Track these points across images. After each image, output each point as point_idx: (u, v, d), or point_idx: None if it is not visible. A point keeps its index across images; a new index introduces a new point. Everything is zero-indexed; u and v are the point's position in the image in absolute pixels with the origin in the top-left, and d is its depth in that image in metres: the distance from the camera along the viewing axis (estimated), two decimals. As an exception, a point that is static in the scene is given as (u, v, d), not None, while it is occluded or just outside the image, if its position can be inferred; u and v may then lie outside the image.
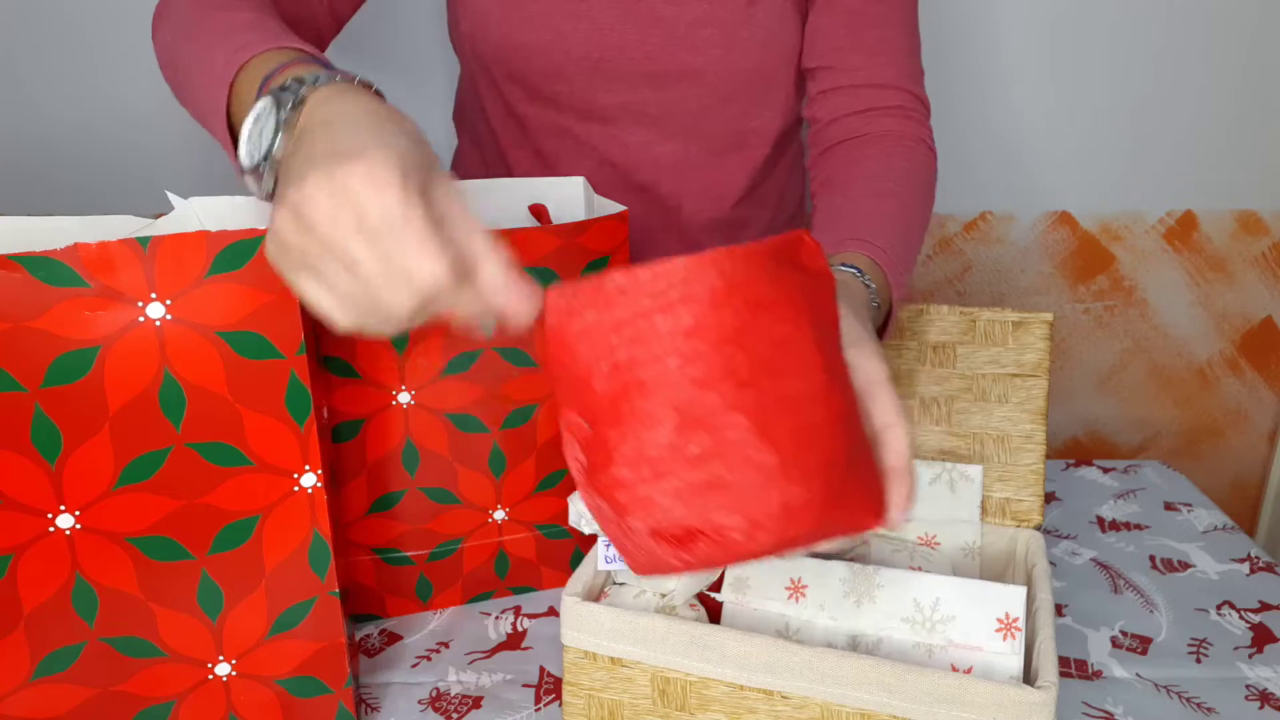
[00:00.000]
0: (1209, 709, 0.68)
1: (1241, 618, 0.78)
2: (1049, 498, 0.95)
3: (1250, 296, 1.51)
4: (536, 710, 0.68)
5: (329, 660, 0.64)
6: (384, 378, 0.71)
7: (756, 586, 0.64)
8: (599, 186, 0.93)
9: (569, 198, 0.78)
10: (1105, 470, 1.01)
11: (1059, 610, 0.78)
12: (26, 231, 0.58)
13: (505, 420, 0.74)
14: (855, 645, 0.61)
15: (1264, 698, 0.69)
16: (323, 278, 0.42)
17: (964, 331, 0.75)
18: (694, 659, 0.59)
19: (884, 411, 0.50)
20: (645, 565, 0.47)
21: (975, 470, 0.72)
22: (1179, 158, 1.43)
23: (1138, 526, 0.91)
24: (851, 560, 0.67)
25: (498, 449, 0.75)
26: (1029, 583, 0.66)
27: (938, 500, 0.72)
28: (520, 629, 0.77)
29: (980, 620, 0.59)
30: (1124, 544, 0.88)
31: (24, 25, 1.33)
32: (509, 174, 0.97)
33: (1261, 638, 0.75)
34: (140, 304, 0.53)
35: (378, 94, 0.51)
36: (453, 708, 0.69)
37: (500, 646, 0.75)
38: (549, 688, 0.70)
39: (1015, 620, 0.59)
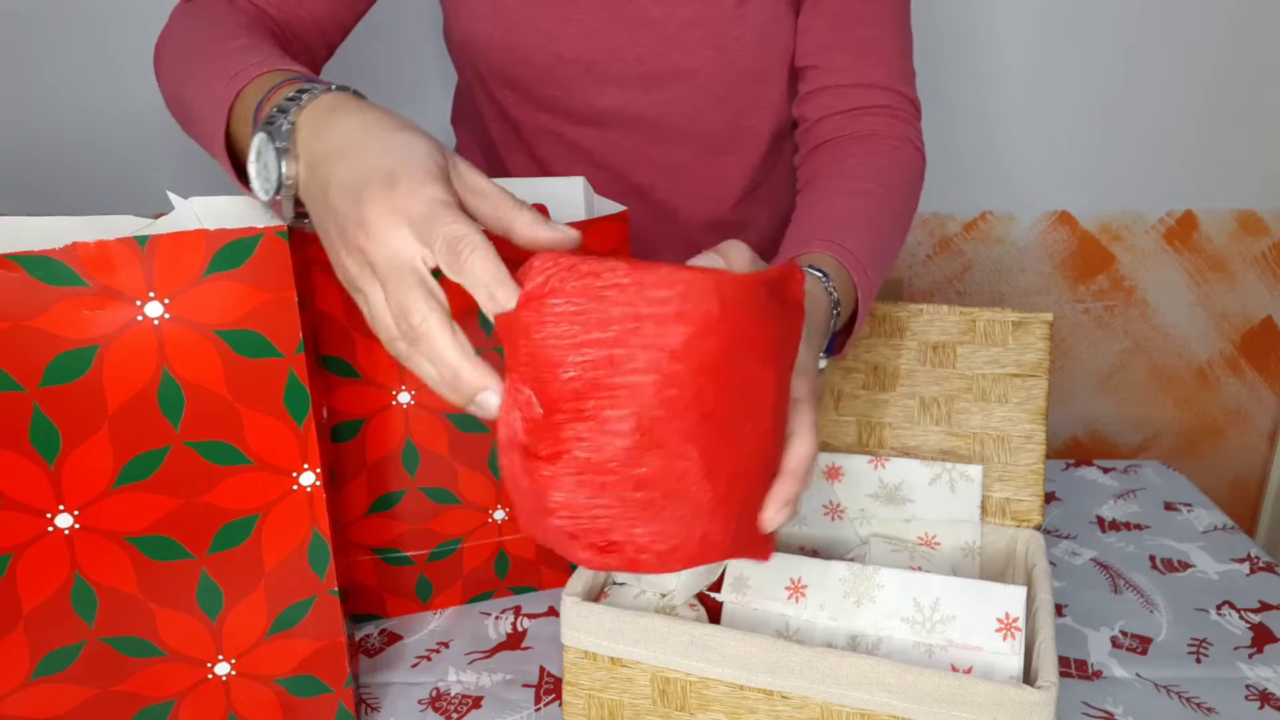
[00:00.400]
0: (1209, 709, 0.68)
1: (1241, 618, 0.78)
2: (1049, 498, 0.95)
3: (1250, 296, 1.51)
4: (536, 710, 0.68)
5: (329, 659, 0.64)
6: (384, 378, 0.71)
7: (756, 586, 0.64)
8: (595, 190, 0.93)
9: (569, 198, 0.78)
10: (1105, 470, 1.01)
11: (1059, 610, 0.78)
12: (25, 231, 0.57)
13: (505, 420, 0.74)
14: (855, 645, 0.61)
15: (1264, 698, 0.69)
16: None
17: (964, 331, 0.75)
18: (694, 659, 0.59)
19: (794, 422, 0.52)
20: (537, 535, 0.47)
21: (975, 470, 0.72)
22: (1179, 158, 1.43)
23: (1138, 526, 0.91)
24: (851, 560, 0.67)
25: (498, 449, 0.74)
26: (1029, 583, 0.66)
27: (938, 500, 0.72)
28: (520, 629, 0.77)
29: (980, 620, 0.59)
30: (1124, 544, 0.88)
31: (24, 25, 1.33)
32: (507, 176, 0.97)
33: (1261, 638, 0.75)
34: (139, 303, 0.53)
35: (358, 95, 0.53)
36: (453, 708, 0.69)
37: (500, 646, 0.75)
38: (549, 688, 0.70)
39: (1015, 620, 0.59)
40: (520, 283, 0.44)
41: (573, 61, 0.86)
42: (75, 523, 0.56)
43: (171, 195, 0.63)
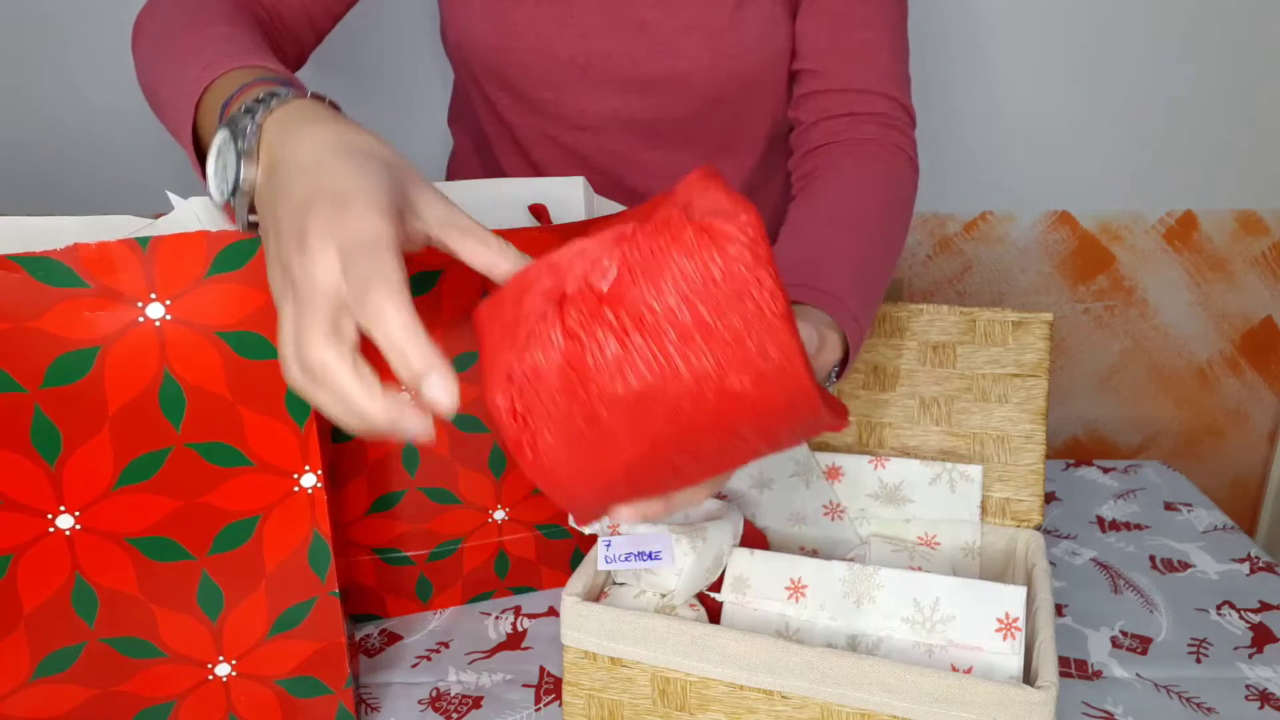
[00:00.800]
0: (1209, 709, 0.68)
1: (1241, 618, 0.78)
2: (1049, 498, 0.95)
3: (1250, 296, 1.51)
4: (536, 710, 0.68)
5: (329, 660, 0.64)
6: (384, 377, 0.70)
7: (756, 586, 0.64)
8: None
9: (569, 198, 0.78)
10: (1105, 470, 1.01)
11: (1059, 610, 0.78)
12: (26, 232, 0.57)
13: (505, 420, 0.74)
14: (855, 645, 0.61)
15: (1264, 698, 0.69)
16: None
17: (964, 331, 0.75)
18: (694, 659, 0.59)
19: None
20: (488, 373, 0.46)
21: (975, 470, 0.72)
22: (1179, 158, 1.43)
23: (1138, 526, 0.91)
24: (851, 560, 0.67)
25: (498, 449, 0.75)
26: (1029, 583, 0.66)
27: (938, 500, 0.72)
28: (520, 629, 0.77)
29: (980, 620, 0.59)
30: (1124, 544, 0.88)
31: (24, 26, 1.33)
32: (503, 177, 0.97)
33: (1261, 638, 0.75)
34: (140, 304, 0.53)
35: (333, 106, 0.51)
36: (453, 708, 0.69)
37: (500, 646, 0.75)
38: (549, 688, 0.70)
39: (1015, 620, 0.59)
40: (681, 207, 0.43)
41: (567, 65, 0.85)
42: (76, 523, 0.56)
43: (171, 195, 0.63)
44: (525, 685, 0.71)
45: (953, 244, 1.48)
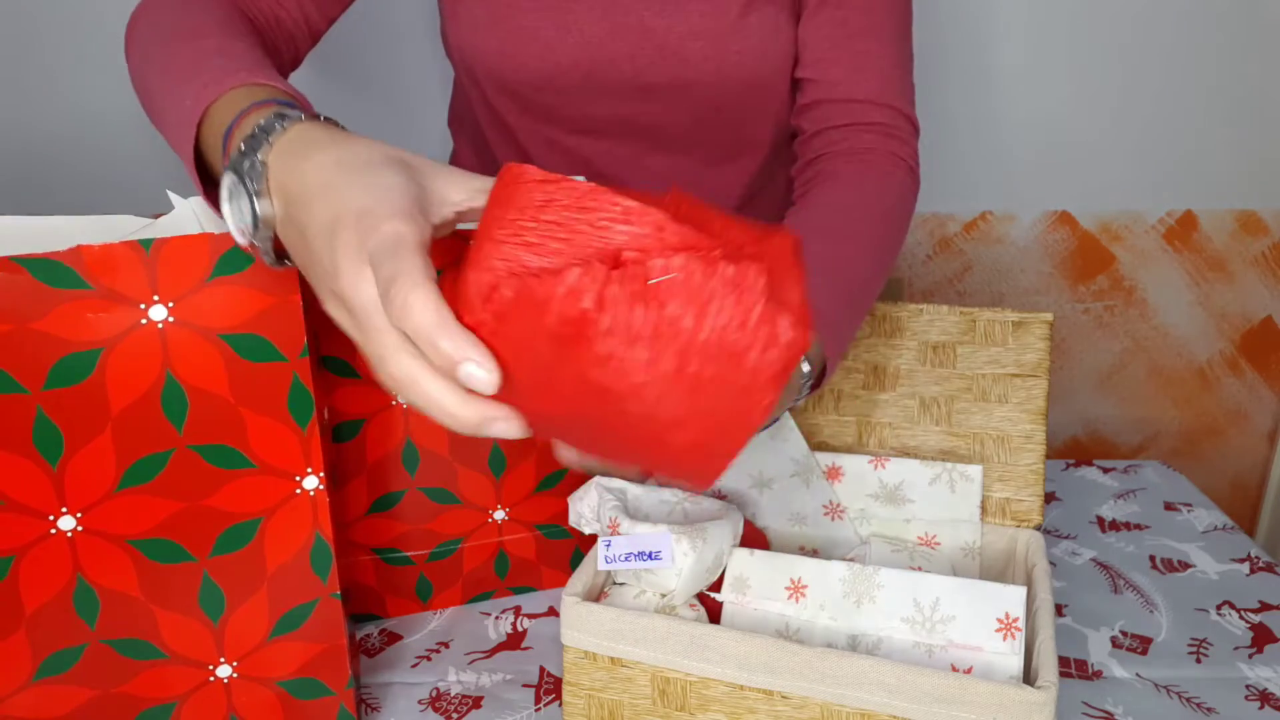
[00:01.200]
0: (1209, 709, 0.68)
1: (1241, 618, 0.78)
2: (1049, 498, 0.95)
3: (1250, 296, 1.51)
4: (536, 710, 0.68)
5: (330, 662, 0.64)
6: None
7: (756, 586, 0.64)
8: None
9: (569, 199, 0.78)
10: (1105, 470, 1.01)
11: (1059, 610, 0.79)
12: (27, 232, 0.58)
13: (506, 421, 0.74)
14: (855, 645, 0.61)
15: (1264, 698, 0.69)
16: None
17: (964, 331, 0.75)
18: (694, 659, 0.59)
19: None
20: (483, 242, 0.43)
21: (975, 470, 0.72)
22: (1179, 158, 1.43)
23: (1138, 526, 0.91)
24: (851, 560, 0.67)
25: (498, 449, 0.75)
26: (1029, 583, 0.66)
27: (938, 500, 0.72)
28: (520, 629, 0.77)
29: (980, 620, 0.60)
30: (1124, 544, 0.88)
31: (24, 26, 1.33)
32: None
33: (1261, 638, 0.75)
34: (143, 306, 0.54)
35: (331, 122, 0.51)
36: (453, 708, 0.69)
37: (500, 646, 0.75)
38: (549, 688, 0.71)
39: (1015, 620, 0.59)
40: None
41: (570, 70, 0.85)
42: (78, 525, 0.56)
43: (171, 195, 0.63)
44: (525, 685, 0.71)
45: (953, 244, 1.48)
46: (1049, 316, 0.74)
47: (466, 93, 0.95)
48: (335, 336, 0.68)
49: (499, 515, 0.77)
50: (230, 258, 0.54)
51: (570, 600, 0.61)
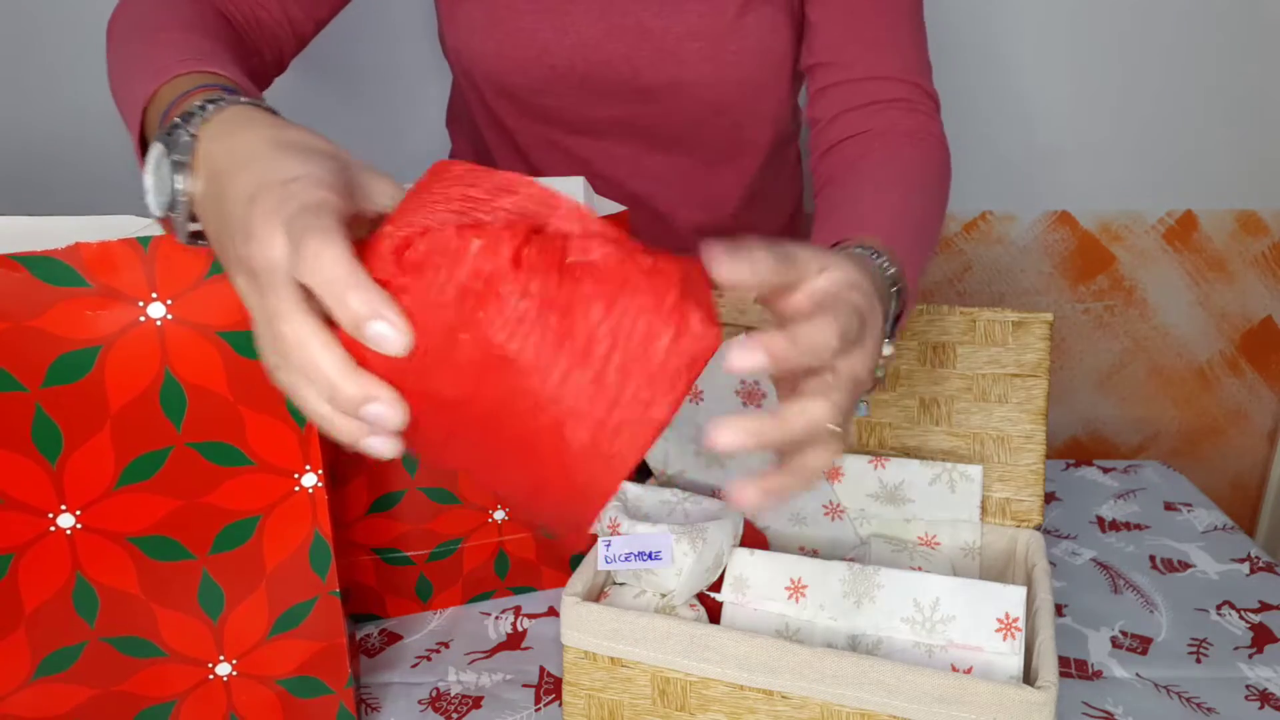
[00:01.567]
0: (1209, 709, 0.68)
1: (1241, 618, 0.78)
2: (1049, 498, 0.95)
3: (1250, 296, 1.51)
4: (536, 710, 0.68)
5: (330, 660, 0.64)
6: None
7: (756, 586, 0.64)
8: None
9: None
10: (1105, 470, 1.01)
11: (1059, 610, 0.79)
12: (27, 231, 0.57)
13: (505, 420, 0.74)
14: (855, 645, 0.61)
15: (1264, 698, 0.69)
16: None
17: (964, 331, 0.75)
18: (694, 659, 0.59)
19: None
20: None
21: (975, 470, 0.72)
22: (1179, 158, 1.43)
23: (1138, 526, 0.91)
24: (851, 560, 0.67)
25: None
26: (1029, 583, 0.66)
27: (938, 500, 0.72)
28: (520, 629, 0.77)
29: (980, 620, 0.60)
30: (1124, 544, 0.88)
31: (24, 26, 1.33)
32: None
33: (1261, 638, 0.75)
34: (141, 304, 0.54)
35: (271, 111, 0.50)
36: (453, 708, 0.69)
37: (500, 646, 0.75)
38: (549, 688, 0.70)
39: (1015, 620, 0.59)
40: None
41: (567, 72, 0.85)
42: (77, 523, 0.56)
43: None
44: (525, 685, 0.71)
45: (953, 244, 1.48)
46: (1049, 316, 0.74)
47: (464, 94, 0.95)
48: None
49: (499, 515, 0.77)
50: (230, 256, 0.54)
51: (570, 600, 0.61)
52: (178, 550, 0.58)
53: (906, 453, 0.75)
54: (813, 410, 0.45)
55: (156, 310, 0.54)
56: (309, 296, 0.40)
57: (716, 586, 0.65)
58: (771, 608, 0.63)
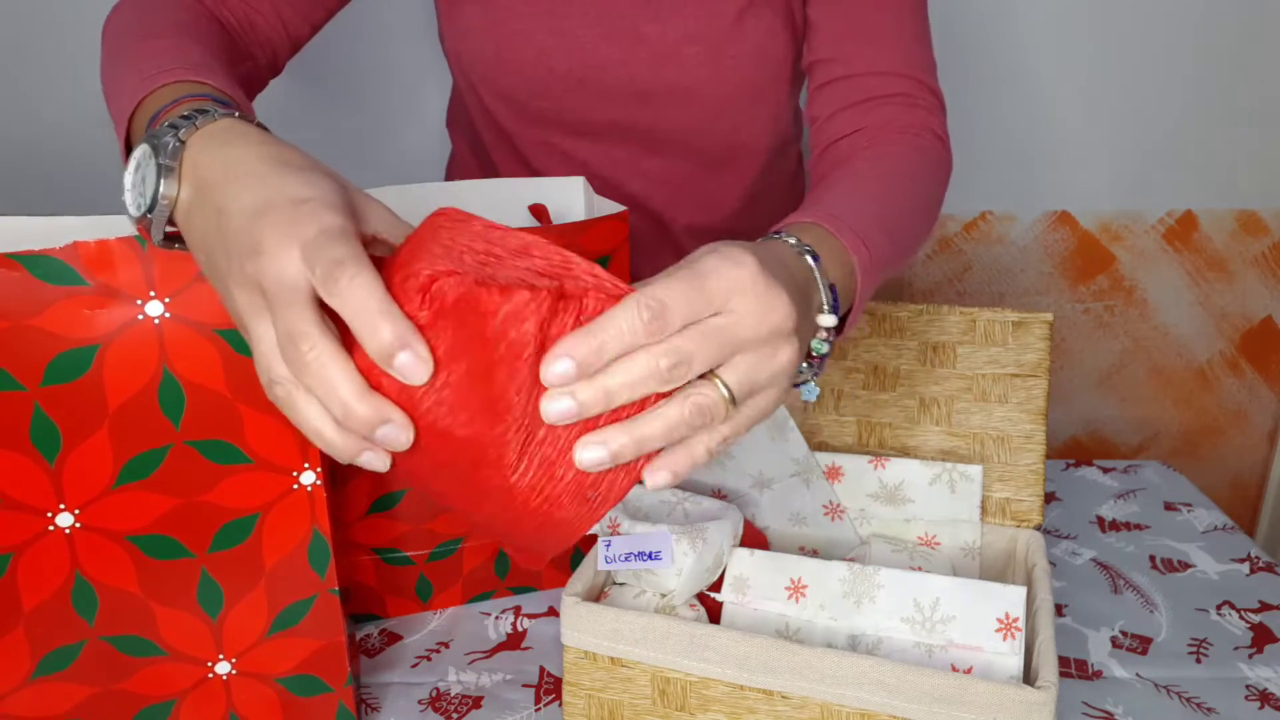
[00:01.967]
0: (1209, 709, 0.68)
1: (1241, 618, 0.78)
2: (1049, 498, 0.95)
3: (1250, 296, 1.51)
4: (536, 710, 0.68)
5: (329, 659, 0.64)
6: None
7: (756, 586, 0.64)
8: None
9: (569, 198, 0.78)
10: (1105, 470, 1.01)
11: (1059, 610, 0.78)
12: (26, 231, 0.57)
13: (505, 419, 0.74)
14: (855, 645, 0.61)
15: (1264, 698, 0.69)
16: None
17: (964, 331, 0.75)
18: (694, 659, 0.59)
19: None
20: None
21: (975, 470, 0.72)
22: (1179, 158, 1.43)
23: (1138, 526, 0.91)
24: (851, 560, 0.67)
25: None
26: (1029, 583, 0.66)
27: (938, 500, 0.72)
28: (520, 629, 0.77)
29: (980, 620, 0.59)
30: (1124, 544, 0.88)
31: (23, 27, 1.33)
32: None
33: (1261, 638, 0.75)
34: (139, 302, 0.53)
35: (261, 127, 0.50)
36: (453, 708, 0.69)
37: (500, 646, 0.75)
38: (549, 688, 0.70)
39: (1015, 620, 0.59)
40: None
41: (564, 75, 0.85)
42: (76, 522, 0.56)
43: (172, 194, 0.63)
44: (525, 685, 0.71)
45: (953, 244, 1.48)
46: (1049, 316, 0.74)
47: (463, 96, 0.95)
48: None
49: (498, 514, 0.77)
50: (229, 254, 0.54)
51: (570, 600, 0.61)
52: (176, 549, 0.58)
53: (906, 453, 0.75)
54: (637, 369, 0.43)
55: (154, 309, 0.54)
56: (324, 317, 0.41)
57: (716, 586, 0.65)
58: (771, 608, 0.63)
